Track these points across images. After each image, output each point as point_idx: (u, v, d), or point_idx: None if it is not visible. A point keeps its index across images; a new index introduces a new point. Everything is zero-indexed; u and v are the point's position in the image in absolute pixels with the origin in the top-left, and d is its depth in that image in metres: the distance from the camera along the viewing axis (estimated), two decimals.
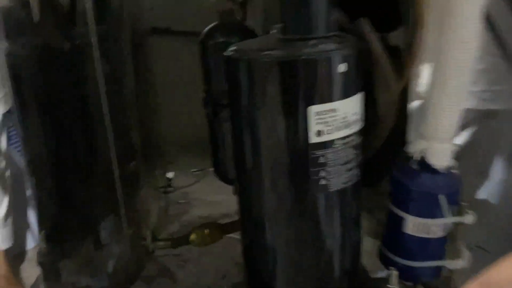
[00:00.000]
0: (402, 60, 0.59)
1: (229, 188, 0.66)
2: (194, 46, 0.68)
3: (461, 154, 0.69)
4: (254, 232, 0.58)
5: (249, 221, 0.59)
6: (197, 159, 0.94)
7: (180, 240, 0.79)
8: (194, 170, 1.04)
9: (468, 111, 0.68)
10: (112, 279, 0.68)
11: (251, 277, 0.62)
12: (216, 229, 0.81)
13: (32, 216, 0.74)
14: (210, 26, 0.65)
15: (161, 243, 0.78)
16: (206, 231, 0.80)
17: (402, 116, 0.67)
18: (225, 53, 0.53)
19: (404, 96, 0.66)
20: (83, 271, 0.66)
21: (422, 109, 0.58)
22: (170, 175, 1.05)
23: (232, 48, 0.52)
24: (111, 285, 0.68)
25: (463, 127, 0.69)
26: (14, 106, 0.60)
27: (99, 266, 0.67)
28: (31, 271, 0.62)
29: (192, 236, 0.80)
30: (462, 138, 0.69)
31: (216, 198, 0.92)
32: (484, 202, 0.73)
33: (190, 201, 1.15)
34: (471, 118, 0.68)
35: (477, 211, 0.73)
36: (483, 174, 0.71)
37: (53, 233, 0.64)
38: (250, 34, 0.65)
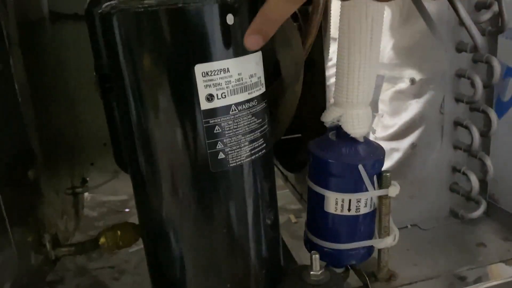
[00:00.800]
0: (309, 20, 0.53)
1: None
2: None
3: (389, 124, 0.65)
4: (151, 222, 0.50)
5: (145, 211, 0.50)
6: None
7: (87, 245, 0.70)
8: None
9: (386, 78, 0.63)
10: None
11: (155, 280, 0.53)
12: (130, 230, 0.71)
13: None
14: None
15: (64, 249, 0.68)
16: (118, 232, 0.71)
17: (318, 95, 0.62)
18: (99, 10, 0.45)
19: (315, 68, 0.61)
20: None
21: (336, 76, 0.52)
22: (88, 176, 0.96)
23: (107, 4, 0.44)
24: None
25: (384, 95, 0.63)
26: None
27: None
28: None
29: (102, 240, 0.70)
30: (385, 108, 0.64)
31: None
32: (417, 178, 0.69)
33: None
34: (393, 86, 0.64)
35: (410, 188, 0.69)
36: (412, 145, 0.67)
37: None
38: None
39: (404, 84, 0.63)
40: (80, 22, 0.89)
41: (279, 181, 1.14)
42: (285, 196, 1.05)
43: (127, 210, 1.33)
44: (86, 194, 0.98)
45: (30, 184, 0.65)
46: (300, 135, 0.78)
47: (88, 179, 0.95)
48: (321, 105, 0.62)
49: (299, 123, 0.64)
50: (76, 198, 0.85)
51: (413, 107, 0.65)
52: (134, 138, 0.46)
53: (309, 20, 0.52)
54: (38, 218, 0.67)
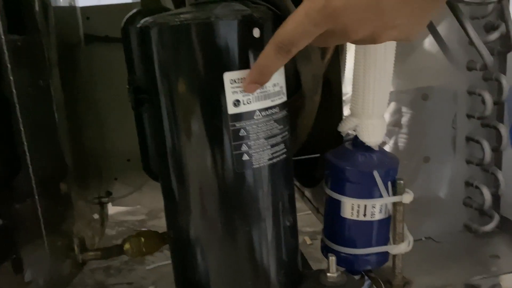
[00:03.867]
0: None
1: None
2: None
3: (403, 138, 0.68)
4: (179, 223, 0.53)
5: (174, 213, 0.54)
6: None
7: (112, 250, 0.73)
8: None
9: (401, 93, 0.67)
10: None
11: (179, 279, 0.56)
12: (154, 237, 0.75)
13: None
14: (131, 11, 0.63)
15: (91, 254, 0.71)
16: (142, 239, 0.74)
17: (335, 113, 0.66)
18: (137, 25, 0.50)
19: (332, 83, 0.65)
20: None
21: (352, 88, 0.56)
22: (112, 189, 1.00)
23: (146, 19, 0.49)
24: None
25: (399, 110, 0.67)
26: None
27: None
28: None
29: (126, 246, 0.73)
30: (400, 120, 0.67)
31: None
32: (432, 192, 0.71)
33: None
34: (407, 101, 0.67)
35: (426, 202, 0.71)
36: (426, 159, 0.69)
37: None
38: None
39: (417, 100, 0.67)
40: (111, 44, 0.97)
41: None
42: (300, 219, 1.08)
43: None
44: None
45: (62, 195, 0.69)
46: (318, 155, 0.81)
47: (112, 192, 0.99)
48: (338, 123, 0.65)
49: (316, 143, 0.68)
50: (102, 207, 0.89)
51: (426, 122, 0.68)
52: (165, 138, 0.50)
53: None
54: (68, 224, 0.70)
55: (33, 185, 0.59)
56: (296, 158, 0.98)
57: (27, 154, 0.58)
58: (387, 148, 0.67)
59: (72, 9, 0.89)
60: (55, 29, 0.71)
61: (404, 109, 0.66)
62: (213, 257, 0.52)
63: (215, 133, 0.47)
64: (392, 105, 0.66)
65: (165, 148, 0.51)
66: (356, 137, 0.57)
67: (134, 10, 0.63)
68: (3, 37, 0.53)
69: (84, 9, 0.98)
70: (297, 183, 0.94)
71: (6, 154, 0.58)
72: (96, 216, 0.84)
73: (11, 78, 0.55)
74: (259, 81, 0.45)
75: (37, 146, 0.61)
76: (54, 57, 0.70)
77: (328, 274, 0.55)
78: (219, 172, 0.48)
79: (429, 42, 0.67)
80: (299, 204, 0.98)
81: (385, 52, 0.52)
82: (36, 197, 0.59)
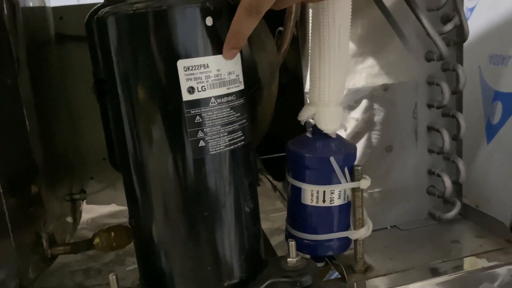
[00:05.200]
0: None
1: None
2: None
3: (364, 128, 0.70)
4: (139, 215, 0.54)
5: (133, 204, 0.55)
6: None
7: (81, 244, 0.73)
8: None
9: (363, 87, 0.69)
10: None
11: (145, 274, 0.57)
12: (124, 232, 0.75)
13: None
14: (95, 6, 0.63)
15: (60, 248, 0.72)
16: (112, 234, 0.74)
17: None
18: (96, 16, 0.51)
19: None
20: None
21: (309, 77, 0.57)
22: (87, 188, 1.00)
23: (102, 10, 0.50)
24: None
25: (359, 101, 0.69)
26: None
27: None
28: None
29: (96, 240, 0.74)
30: (360, 113, 0.69)
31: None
32: (396, 182, 0.73)
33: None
34: (367, 93, 0.69)
35: (390, 191, 0.73)
36: (388, 149, 0.71)
37: None
38: None
39: (377, 91, 0.68)
40: (83, 43, 0.97)
41: (278, 204, 1.18)
42: (281, 217, 1.09)
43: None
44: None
45: (31, 193, 0.70)
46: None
47: (86, 190, 0.99)
48: None
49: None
50: (74, 204, 0.89)
51: (387, 112, 0.69)
52: (123, 126, 0.51)
53: (284, 26, 0.58)
54: (37, 221, 0.71)
55: None
56: (269, 156, 0.99)
57: None
58: (349, 138, 0.68)
59: (42, 9, 0.89)
60: (24, 29, 0.72)
61: (365, 100, 0.68)
62: (173, 244, 0.53)
63: (172, 119, 0.48)
64: (353, 96, 0.68)
65: (123, 136, 0.52)
66: (315, 126, 0.58)
67: (98, 5, 0.64)
68: None
69: (57, 9, 0.98)
70: (270, 178, 0.96)
71: None
72: (68, 213, 0.84)
73: None
74: (236, 45, 0.48)
75: (3, 144, 0.61)
76: (23, 56, 0.70)
77: (289, 259, 0.56)
78: (177, 159, 0.49)
79: (389, 35, 0.69)
80: (281, 204, 0.99)
81: (339, 41, 0.54)
82: (2, 195, 0.60)
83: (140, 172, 0.52)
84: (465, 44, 0.71)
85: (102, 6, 0.64)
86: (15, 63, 0.67)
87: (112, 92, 0.52)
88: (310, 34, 0.56)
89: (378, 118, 0.69)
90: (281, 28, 0.62)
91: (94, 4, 0.91)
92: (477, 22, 0.94)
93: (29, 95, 0.71)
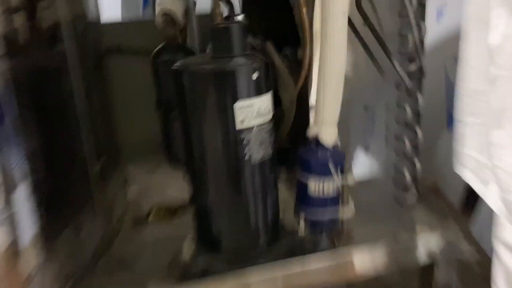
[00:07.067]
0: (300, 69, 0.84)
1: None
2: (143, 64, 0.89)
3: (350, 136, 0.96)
4: (201, 197, 0.79)
5: (197, 191, 0.80)
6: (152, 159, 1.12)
7: (140, 220, 0.98)
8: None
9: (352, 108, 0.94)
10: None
11: (200, 235, 0.83)
12: (169, 210, 1.01)
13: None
14: (158, 47, 0.86)
15: (126, 224, 0.96)
16: (163, 210, 0.99)
17: (304, 116, 0.93)
18: (173, 67, 0.74)
19: (303, 99, 0.92)
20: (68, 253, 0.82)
21: (315, 104, 0.82)
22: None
23: (178, 64, 0.74)
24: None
25: (347, 119, 0.95)
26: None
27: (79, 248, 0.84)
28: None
29: (152, 213, 0.99)
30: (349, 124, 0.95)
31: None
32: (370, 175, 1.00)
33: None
34: (354, 113, 0.95)
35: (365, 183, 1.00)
36: (366, 148, 0.98)
37: (46, 220, 0.79)
38: (189, 53, 0.87)
39: (361, 111, 0.94)
40: (131, 57, 1.17)
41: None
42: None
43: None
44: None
45: (103, 170, 0.93)
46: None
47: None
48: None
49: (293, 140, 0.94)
50: (125, 184, 1.13)
51: (367, 126, 0.96)
52: (192, 146, 0.75)
53: (300, 72, 0.82)
54: (104, 198, 0.94)
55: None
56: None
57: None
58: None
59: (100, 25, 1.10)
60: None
61: (352, 118, 0.94)
62: (222, 214, 0.78)
63: (228, 141, 0.73)
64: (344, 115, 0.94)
65: (191, 145, 0.76)
66: (317, 140, 0.84)
67: (160, 46, 0.87)
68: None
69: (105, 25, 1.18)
70: None
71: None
72: (122, 190, 1.09)
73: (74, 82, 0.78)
74: None
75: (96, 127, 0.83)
76: (92, 64, 0.91)
77: (299, 230, 0.83)
78: (230, 166, 0.75)
79: (369, 67, 0.94)
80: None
81: (338, 73, 0.78)
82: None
83: (204, 173, 0.77)
84: (434, 44, 0.95)
85: (164, 48, 0.87)
86: (89, 70, 0.88)
87: (183, 116, 0.76)
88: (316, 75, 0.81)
89: (361, 128, 0.95)
90: (286, 53, 0.87)
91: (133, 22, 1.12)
92: (444, 25, 1.13)
93: (98, 97, 0.93)
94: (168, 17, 0.88)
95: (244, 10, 1.06)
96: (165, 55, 0.84)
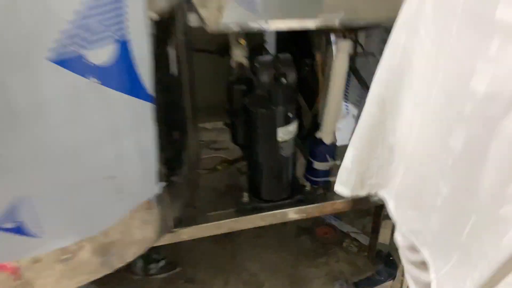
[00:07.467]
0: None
1: None
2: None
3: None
4: (255, 170, 1.45)
5: (252, 162, 1.45)
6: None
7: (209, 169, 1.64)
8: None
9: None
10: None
11: (252, 187, 1.51)
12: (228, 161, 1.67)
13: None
14: (234, 75, 1.43)
15: (204, 170, 1.63)
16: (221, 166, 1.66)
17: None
18: (244, 102, 1.34)
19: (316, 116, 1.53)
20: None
21: (322, 120, 1.43)
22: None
23: (247, 99, 1.33)
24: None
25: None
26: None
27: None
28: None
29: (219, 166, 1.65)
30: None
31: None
32: None
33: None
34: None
35: None
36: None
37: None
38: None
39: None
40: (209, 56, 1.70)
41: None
42: None
43: None
44: None
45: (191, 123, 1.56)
46: None
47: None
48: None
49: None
50: (199, 144, 1.77)
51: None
52: (255, 140, 1.39)
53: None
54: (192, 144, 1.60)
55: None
56: None
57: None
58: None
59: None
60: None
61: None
62: (267, 180, 1.46)
63: (274, 145, 1.36)
64: None
65: (252, 144, 1.40)
66: (321, 139, 1.46)
67: (233, 78, 1.44)
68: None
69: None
70: None
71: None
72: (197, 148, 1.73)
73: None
74: None
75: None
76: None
77: (306, 189, 1.51)
78: (273, 157, 1.39)
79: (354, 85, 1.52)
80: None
81: (338, 93, 1.38)
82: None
83: (257, 158, 1.41)
84: None
85: (237, 80, 1.45)
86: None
87: (252, 131, 1.38)
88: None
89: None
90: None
91: None
92: None
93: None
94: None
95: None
96: (238, 84, 1.41)
